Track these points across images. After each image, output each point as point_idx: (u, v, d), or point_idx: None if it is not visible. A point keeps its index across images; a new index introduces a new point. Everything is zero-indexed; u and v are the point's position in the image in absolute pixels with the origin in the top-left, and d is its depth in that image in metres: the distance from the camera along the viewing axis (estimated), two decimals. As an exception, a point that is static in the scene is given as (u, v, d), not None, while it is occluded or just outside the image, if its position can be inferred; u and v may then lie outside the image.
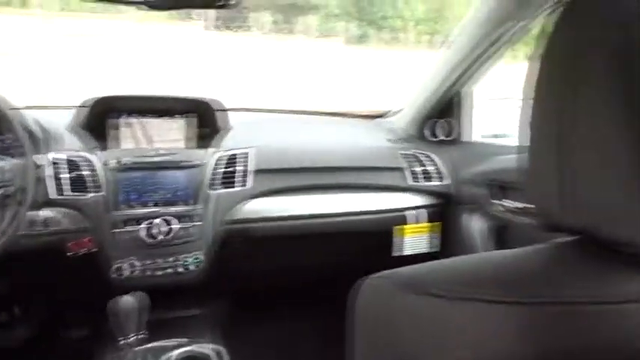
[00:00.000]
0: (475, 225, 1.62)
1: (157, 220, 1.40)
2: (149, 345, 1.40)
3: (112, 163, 1.42)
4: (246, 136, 1.61)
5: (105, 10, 3.72)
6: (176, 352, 1.38)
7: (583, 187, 0.49)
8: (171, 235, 1.41)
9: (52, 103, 1.68)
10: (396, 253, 1.72)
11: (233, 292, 1.85)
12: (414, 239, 1.74)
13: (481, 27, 1.48)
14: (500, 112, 1.79)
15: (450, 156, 1.77)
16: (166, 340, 1.42)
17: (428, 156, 1.77)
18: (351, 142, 1.77)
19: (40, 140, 1.30)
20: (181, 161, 1.48)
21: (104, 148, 1.46)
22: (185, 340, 1.44)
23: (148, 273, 1.41)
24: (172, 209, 1.43)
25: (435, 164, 1.76)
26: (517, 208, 1.42)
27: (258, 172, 1.54)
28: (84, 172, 1.38)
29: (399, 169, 1.71)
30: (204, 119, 1.57)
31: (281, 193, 1.56)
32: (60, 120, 1.48)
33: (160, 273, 1.42)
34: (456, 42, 1.59)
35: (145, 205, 1.42)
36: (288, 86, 4.11)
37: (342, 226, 1.63)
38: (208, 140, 1.56)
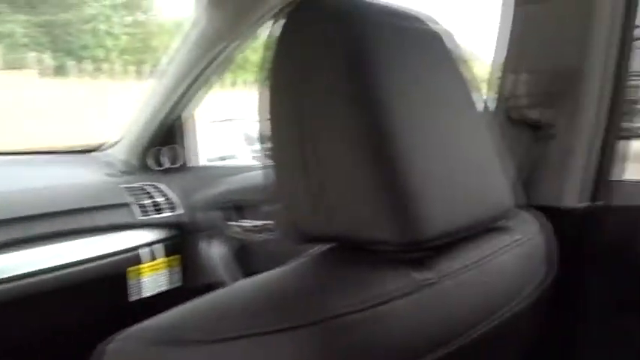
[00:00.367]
0: (215, 251, 1.57)
1: None
2: None
3: None
4: None
5: None
6: None
7: (332, 196, 0.49)
8: None
9: None
10: (133, 298, 1.55)
11: None
12: (152, 278, 1.59)
13: (193, 51, 1.46)
14: (224, 133, 1.80)
15: (179, 184, 1.69)
16: None
17: (156, 187, 1.65)
18: (62, 182, 1.53)
19: None
20: None
21: None
22: None
23: None
24: None
25: (164, 195, 1.65)
26: (255, 226, 1.42)
27: None
28: None
29: (125, 205, 1.55)
30: None
31: None
32: None
33: None
34: (169, 69, 1.54)
35: None
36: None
37: (65, 280, 1.38)
38: None
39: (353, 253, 0.52)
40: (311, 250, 0.55)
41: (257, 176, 1.46)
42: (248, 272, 1.38)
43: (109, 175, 1.65)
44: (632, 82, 0.84)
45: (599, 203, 0.83)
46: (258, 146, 1.80)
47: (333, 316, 0.43)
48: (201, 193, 1.61)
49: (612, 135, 0.83)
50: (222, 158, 1.77)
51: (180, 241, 1.65)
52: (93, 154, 1.84)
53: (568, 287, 0.77)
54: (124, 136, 1.76)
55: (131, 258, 1.53)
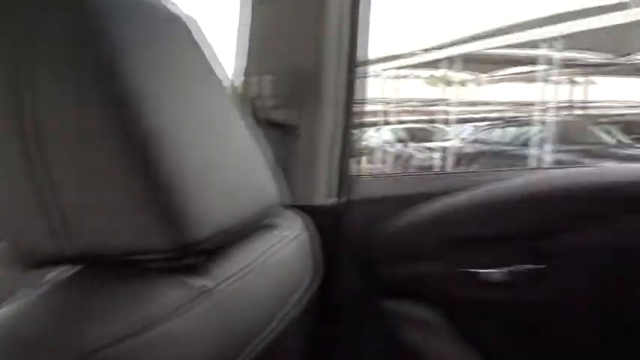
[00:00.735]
0: None
1: None
2: None
3: None
4: None
5: None
6: None
7: (74, 213, 0.41)
8: None
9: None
10: None
11: None
12: None
13: None
14: None
15: None
16: None
17: None
18: None
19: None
20: None
21: None
22: None
23: None
24: None
25: None
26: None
27: None
28: None
29: None
30: None
31: None
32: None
33: None
34: None
35: None
36: None
37: None
38: None
39: (107, 272, 0.41)
40: (48, 277, 0.42)
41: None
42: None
43: None
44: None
45: (344, 199, 0.88)
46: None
47: (89, 353, 0.33)
48: None
49: (350, 133, 0.88)
50: None
51: None
52: None
53: (333, 286, 0.79)
54: None
55: None
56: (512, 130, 9.17)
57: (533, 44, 9.46)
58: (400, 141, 10.58)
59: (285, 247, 0.61)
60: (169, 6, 0.52)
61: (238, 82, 0.87)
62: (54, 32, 0.39)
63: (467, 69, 11.89)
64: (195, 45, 0.51)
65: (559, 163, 6.84)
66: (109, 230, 0.40)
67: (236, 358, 0.46)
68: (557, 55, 8.50)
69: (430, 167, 9.21)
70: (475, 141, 9.18)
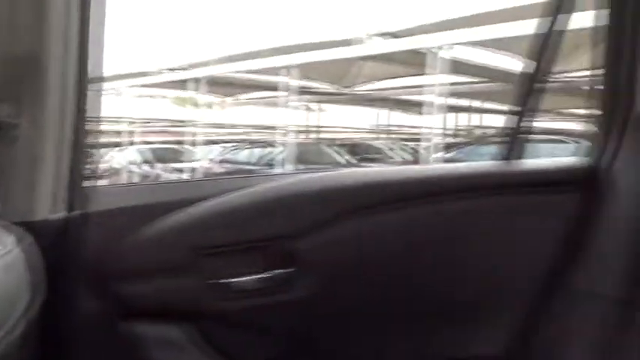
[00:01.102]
0: None
1: None
2: None
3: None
4: None
5: None
6: None
7: None
8: None
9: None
10: None
11: None
12: None
13: None
14: None
15: None
16: None
17: None
18: None
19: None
20: None
21: None
22: None
23: None
24: None
25: None
26: None
27: None
28: None
29: None
30: None
31: None
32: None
33: None
34: None
35: None
36: None
37: None
38: None
39: None
40: None
41: None
42: None
43: None
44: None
45: (76, 212, 0.76)
46: None
47: None
48: None
49: (82, 146, 0.76)
50: None
51: None
52: None
53: (60, 308, 0.66)
54: None
55: None
56: (257, 151, 9.68)
57: (273, 71, 10.18)
58: (146, 162, 10.14)
59: None
60: None
61: None
62: None
63: (212, 91, 12.13)
64: None
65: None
66: None
67: None
68: (294, 82, 9.30)
69: (178, 188, 9.02)
70: (223, 161, 9.39)
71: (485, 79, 10.44)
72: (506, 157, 0.99)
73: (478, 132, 14.17)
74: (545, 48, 0.96)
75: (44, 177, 0.72)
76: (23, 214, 0.68)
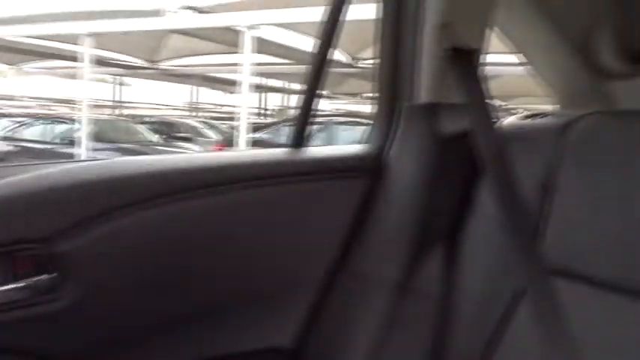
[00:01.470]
0: None
1: None
2: None
3: None
4: None
5: None
6: None
7: None
8: None
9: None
10: None
11: None
12: None
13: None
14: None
15: None
16: None
17: None
18: None
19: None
20: None
21: None
22: None
23: None
24: None
25: None
26: None
27: None
28: None
29: None
30: None
31: None
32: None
33: None
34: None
35: None
36: None
37: None
38: None
39: None
40: None
41: None
42: None
43: None
44: None
45: None
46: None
47: None
48: None
49: None
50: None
51: None
52: None
53: None
54: None
55: None
56: (49, 128, 8.57)
57: (67, 39, 9.07)
58: None
59: None
60: None
61: None
62: None
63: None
64: None
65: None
66: None
67: None
68: (92, 52, 8.41)
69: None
70: (7, 138, 8.15)
71: (294, 61, 10.72)
72: (298, 140, 0.97)
73: (289, 113, 14.60)
74: (331, 33, 0.95)
75: None
76: None
